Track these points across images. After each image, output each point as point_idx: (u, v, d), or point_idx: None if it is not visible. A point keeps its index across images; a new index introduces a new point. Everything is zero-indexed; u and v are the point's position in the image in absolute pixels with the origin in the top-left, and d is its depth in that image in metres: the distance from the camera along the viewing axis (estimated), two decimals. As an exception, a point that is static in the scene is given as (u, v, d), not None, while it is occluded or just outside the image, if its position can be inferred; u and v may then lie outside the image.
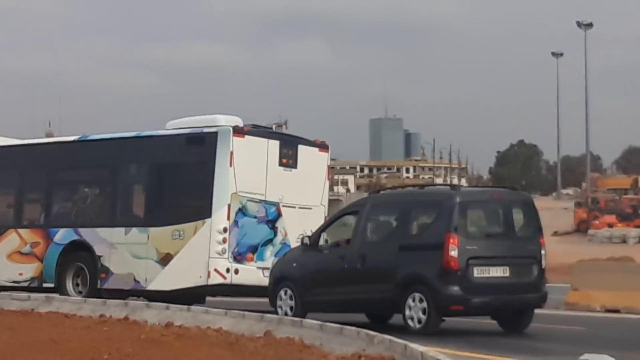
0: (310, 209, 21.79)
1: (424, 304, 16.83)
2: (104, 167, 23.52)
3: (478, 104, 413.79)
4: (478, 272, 16.94)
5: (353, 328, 13.66)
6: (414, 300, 16.95)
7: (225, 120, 21.15)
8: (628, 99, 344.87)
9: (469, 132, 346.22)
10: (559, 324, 20.44)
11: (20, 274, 23.62)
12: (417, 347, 11.68)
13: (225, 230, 20.40)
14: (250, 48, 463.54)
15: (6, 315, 17.42)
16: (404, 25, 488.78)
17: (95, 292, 21.77)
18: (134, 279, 21.67)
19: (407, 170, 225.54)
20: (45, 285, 23.05)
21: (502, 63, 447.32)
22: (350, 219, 18.97)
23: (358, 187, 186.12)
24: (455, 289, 16.71)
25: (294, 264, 19.12)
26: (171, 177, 22.00)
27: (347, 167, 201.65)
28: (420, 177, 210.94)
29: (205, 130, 21.11)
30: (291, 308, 18.79)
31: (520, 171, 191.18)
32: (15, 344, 12.92)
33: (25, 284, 23.42)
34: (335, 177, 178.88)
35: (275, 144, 21.40)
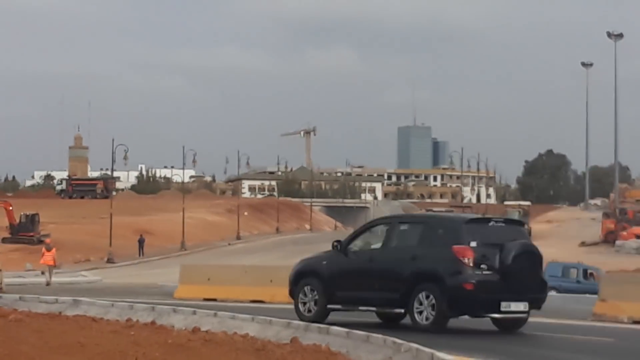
0: None
1: None
2: None
3: (507, 113, 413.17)
4: None
5: (380, 336, 13.66)
6: None
7: None
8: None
9: (497, 141, 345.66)
10: (587, 335, 20.35)
11: None
12: (445, 356, 11.67)
13: None
14: (280, 54, 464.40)
15: (34, 318, 17.45)
16: (433, 34, 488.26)
17: None
18: None
19: (435, 179, 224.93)
20: None
21: (532, 72, 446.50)
22: None
23: (385, 195, 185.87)
24: None
25: None
26: None
27: (375, 175, 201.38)
28: (448, 185, 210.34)
29: None
30: None
31: (548, 181, 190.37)
32: (43, 347, 12.95)
33: None
34: (363, 184, 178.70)
35: None
